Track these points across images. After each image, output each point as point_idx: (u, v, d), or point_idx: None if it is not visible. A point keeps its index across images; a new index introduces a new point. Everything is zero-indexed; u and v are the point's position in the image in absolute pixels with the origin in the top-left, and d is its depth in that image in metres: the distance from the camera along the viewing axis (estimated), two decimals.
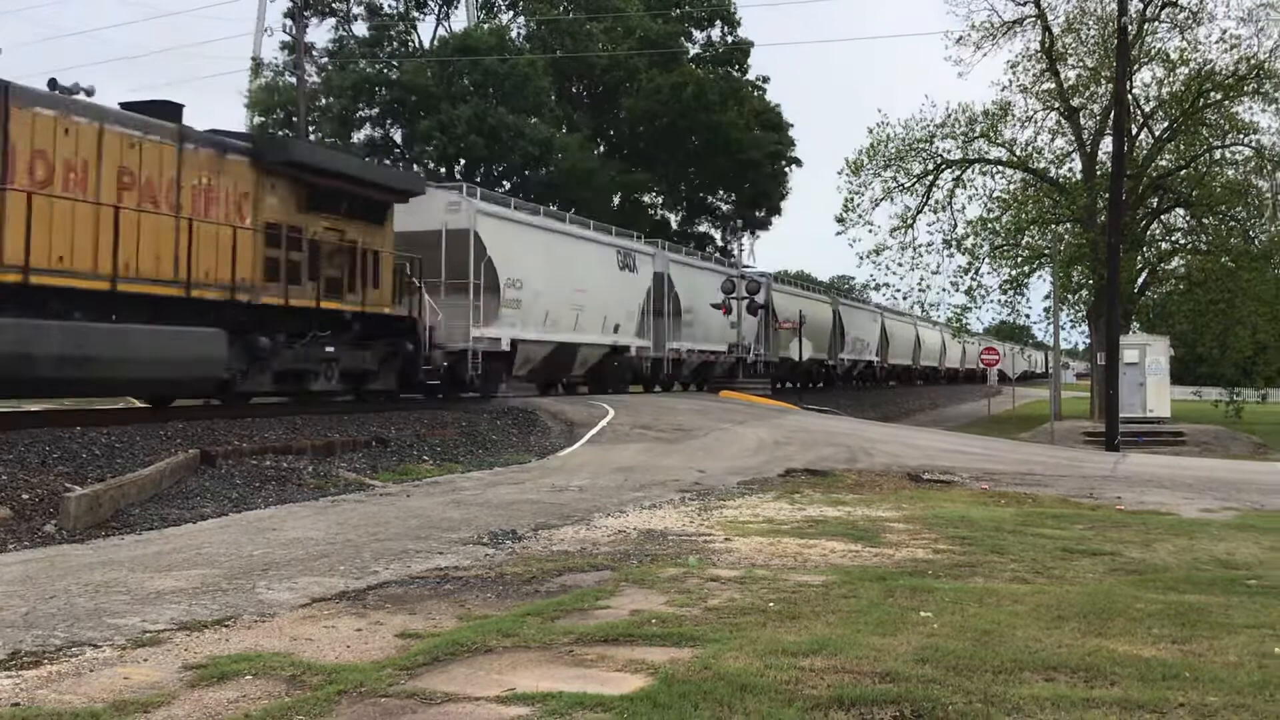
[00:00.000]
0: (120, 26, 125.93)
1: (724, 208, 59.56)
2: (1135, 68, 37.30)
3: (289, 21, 43.97)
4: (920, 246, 41.38)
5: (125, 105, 15.81)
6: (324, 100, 48.05)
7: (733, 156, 53.93)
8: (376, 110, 48.77)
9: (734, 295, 36.07)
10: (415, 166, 42.05)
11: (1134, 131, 38.43)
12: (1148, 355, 34.88)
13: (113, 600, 6.97)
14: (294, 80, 44.83)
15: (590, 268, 29.17)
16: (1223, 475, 18.11)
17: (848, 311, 52.98)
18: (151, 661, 5.62)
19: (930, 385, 72.63)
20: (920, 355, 68.19)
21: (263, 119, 44.35)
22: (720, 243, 58.74)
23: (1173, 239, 43.20)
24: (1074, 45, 40.38)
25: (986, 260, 40.54)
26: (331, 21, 50.50)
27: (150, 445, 13.85)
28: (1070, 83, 40.19)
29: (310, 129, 44.08)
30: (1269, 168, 38.49)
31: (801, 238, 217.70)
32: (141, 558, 8.52)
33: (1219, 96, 38.11)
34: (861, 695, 5.00)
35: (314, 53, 49.56)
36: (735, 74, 57.09)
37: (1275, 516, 12.48)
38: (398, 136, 49.68)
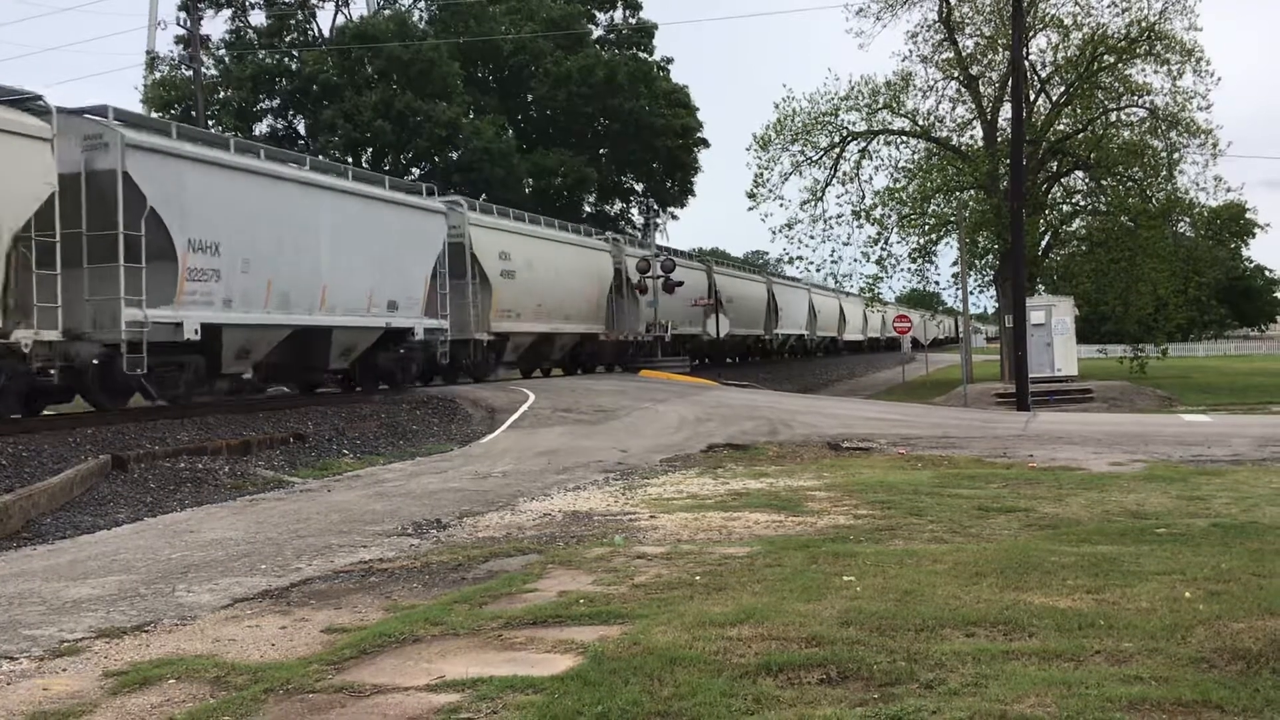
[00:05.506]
0: (11, 25, 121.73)
1: (638, 188, 59.60)
2: (1030, 34, 37.96)
3: (184, 14, 42.76)
4: (830, 219, 41.84)
5: None
6: (223, 93, 47.01)
7: (644, 137, 53.95)
8: (277, 101, 47.85)
9: (649, 275, 36.16)
10: (321, 156, 41.37)
11: (1032, 97, 39.11)
12: (1053, 316, 35.58)
13: (28, 611, 6.81)
14: (190, 74, 43.78)
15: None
16: (1130, 429, 18.60)
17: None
18: (71, 671, 5.51)
19: (852, 354, 74.27)
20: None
21: (160, 114, 43.21)
22: (639, 222, 58.74)
23: (1073, 201, 44.13)
24: (971, 14, 40.99)
25: (895, 229, 41.09)
26: (228, 12, 49.34)
27: (59, 453, 13.52)
28: (969, 51, 40.79)
29: (210, 122, 43.10)
30: (1163, 128, 39.38)
31: (714, 217, 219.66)
32: (55, 567, 8.33)
33: (1112, 60, 38.89)
34: (789, 660, 5.08)
35: (211, 45, 48.46)
36: (641, 55, 57.06)
37: (1181, 467, 12.86)
38: (301, 127, 48.82)
